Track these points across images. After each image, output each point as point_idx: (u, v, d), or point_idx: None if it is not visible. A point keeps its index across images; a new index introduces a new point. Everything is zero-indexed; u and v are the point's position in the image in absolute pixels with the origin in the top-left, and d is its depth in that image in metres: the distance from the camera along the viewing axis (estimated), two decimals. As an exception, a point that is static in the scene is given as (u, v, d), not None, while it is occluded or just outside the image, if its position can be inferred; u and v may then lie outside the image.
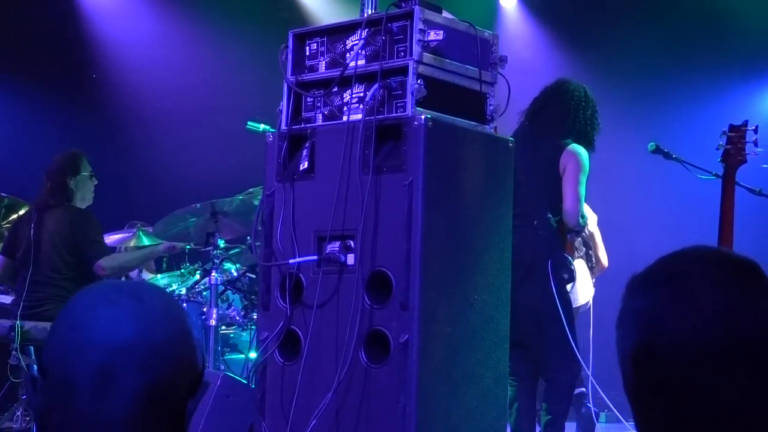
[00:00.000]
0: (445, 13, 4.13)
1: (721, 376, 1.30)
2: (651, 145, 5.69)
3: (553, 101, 5.38)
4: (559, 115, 5.35)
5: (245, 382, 4.79)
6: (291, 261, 4.03)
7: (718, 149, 4.77)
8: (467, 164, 4.07)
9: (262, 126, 6.46)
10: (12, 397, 6.57)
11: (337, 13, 8.83)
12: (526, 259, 5.04)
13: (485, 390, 4.03)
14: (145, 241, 7.62)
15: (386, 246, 3.87)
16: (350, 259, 3.97)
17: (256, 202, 6.38)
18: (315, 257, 4.00)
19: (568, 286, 5.22)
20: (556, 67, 6.06)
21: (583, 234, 5.76)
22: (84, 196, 6.62)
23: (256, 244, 4.26)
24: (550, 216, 5.26)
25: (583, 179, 5.25)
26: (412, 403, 3.75)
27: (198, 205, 6.21)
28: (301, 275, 4.07)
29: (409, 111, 3.90)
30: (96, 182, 6.67)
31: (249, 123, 6.47)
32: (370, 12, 4.22)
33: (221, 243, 6.43)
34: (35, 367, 6.12)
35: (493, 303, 4.08)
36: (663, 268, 1.41)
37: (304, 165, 4.11)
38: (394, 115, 3.94)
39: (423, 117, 3.86)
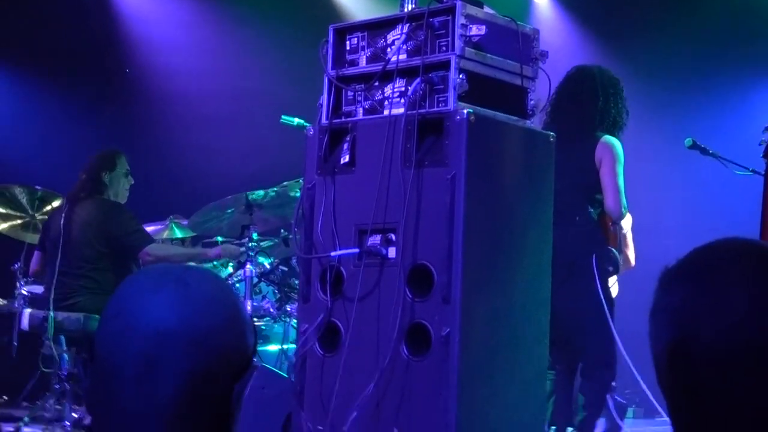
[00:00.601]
0: (486, 8, 4.14)
1: (756, 377, 1.29)
2: (688, 141, 5.68)
3: (577, 91, 5.34)
4: (577, 106, 5.31)
5: (280, 373, 4.82)
6: (333, 253, 4.05)
7: (760, 145, 4.76)
8: (508, 159, 4.08)
9: (296, 120, 6.48)
10: (44, 387, 6.62)
11: (370, 10, 8.83)
12: (566, 257, 5.02)
13: (525, 385, 4.04)
14: (178, 234, 7.66)
15: (427, 240, 3.89)
16: (391, 252, 3.99)
17: (291, 195, 6.42)
18: (357, 250, 4.02)
19: (611, 281, 5.22)
20: (588, 61, 6.03)
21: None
22: (117, 193, 6.67)
23: (296, 236, 4.27)
24: (591, 210, 5.26)
25: (621, 170, 5.24)
26: (453, 396, 3.77)
27: (234, 197, 6.23)
28: (341, 268, 4.09)
29: (451, 105, 3.92)
30: (132, 182, 6.72)
31: (283, 117, 6.49)
32: (410, 7, 4.23)
33: (254, 236, 6.46)
34: (66, 356, 6.18)
35: (533, 300, 4.08)
36: (697, 261, 1.39)
37: (345, 159, 4.12)
38: (435, 109, 3.96)
39: (465, 111, 3.87)
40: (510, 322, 4.00)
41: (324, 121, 4.23)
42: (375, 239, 4.01)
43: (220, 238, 7.35)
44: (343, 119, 4.21)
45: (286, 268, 6.76)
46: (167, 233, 7.66)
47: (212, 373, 1.45)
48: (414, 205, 3.92)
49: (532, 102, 4.21)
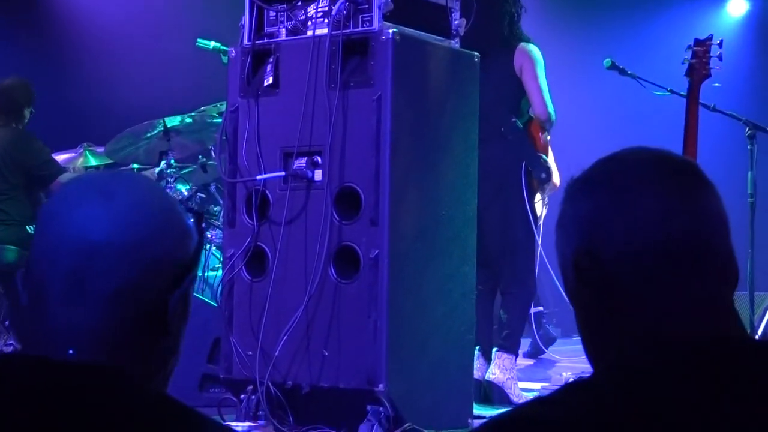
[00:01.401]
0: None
1: (660, 278, 1.32)
2: (607, 62, 5.70)
3: (485, 3, 5.27)
4: (495, 17, 5.27)
5: (204, 299, 4.78)
6: (258, 177, 4.00)
7: (683, 63, 4.79)
8: (434, 79, 4.05)
9: (212, 43, 6.34)
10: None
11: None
12: (496, 172, 5.02)
13: (453, 304, 4.07)
14: (92, 162, 7.49)
15: (354, 162, 3.86)
16: (317, 175, 3.96)
17: (209, 120, 6.31)
18: (282, 173, 3.98)
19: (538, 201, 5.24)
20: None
21: None
22: (24, 125, 6.53)
23: (220, 160, 4.20)
24: (516, 120, 5.26)
25: (542, 73, 5.22)
26: (383, 317, 3.78)
27: (151, 123, 6.11)
28: (267, 192, 4.05)
29: (375, 25, 3.87)
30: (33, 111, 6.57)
31: (199, 40, 6.36)
32: (332, -76, 4.15)
33: (172, 162, 6.36)
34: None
35: (460, 218, 4.09)
36: (602, 171, 1.39)
37: (269, 80, 4.06)
38: (360, 29, 3.90)
39: (390, 31, 3.83)
40: (437, 241, 4.01)
41: (246, 42, 4.15)
42: (301, 162, 3.97)
43: (136, 166, 7.23)
44: (265, 40, 4.13)
45: (204, 195, 6.67)
46: (81, 161, 7.49)
47: (141, 286, 1.39)
48: (340, 126, 3.88)
49: (456, 22, 4.18)
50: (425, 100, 3.99)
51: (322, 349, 3.87)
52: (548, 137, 5.45)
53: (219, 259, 6.55)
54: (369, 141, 3.81)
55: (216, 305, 4.55)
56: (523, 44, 5.23)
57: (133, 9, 8.87)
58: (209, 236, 6.38)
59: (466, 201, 4.13)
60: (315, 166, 3.96)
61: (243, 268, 4.07)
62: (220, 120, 6.29)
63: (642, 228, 1.32)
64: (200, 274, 6.39)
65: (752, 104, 7.46)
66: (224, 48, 6.33)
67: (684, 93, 5.61)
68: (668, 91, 5.77)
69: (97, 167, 7.48)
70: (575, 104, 6.50)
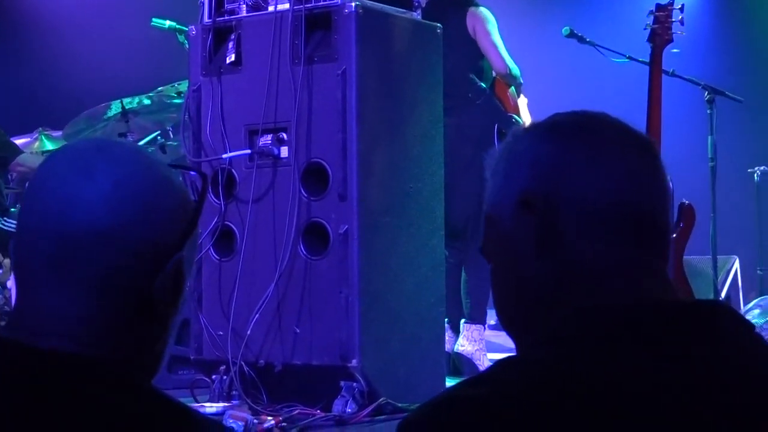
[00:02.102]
0: None
1: (611, 236, 1.31)
2: (565, 30, 5.70)
3: None
4: None
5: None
6: (224, 156, 3.96)
7: (645, 29, 4.79)
8: (398, 51, 4.03)
9: (167, 23, 6.27)
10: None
11: None
12: (470, 137, 5.01)
13: (423, 277, 4.06)
14: (48, 146, 7.39)
15: (320, 137, 3.84)
16: (284, 151, 3.93)
17: (167, 101, 6.25)
18: (248, 151, 3.94)
19: None
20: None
21: None
22: None
23: (185, 140, 4.16)
24: (481, 83, 5.25)
25: (495, 31, 5.23)
26: (354, 293, 3.76)
27: (109, 105, 6.03)
28: (233, 170, 4.01)
29: (338, -1, 3.83)
30: None
31: (154, 20, 6.28)
32: None
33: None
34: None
35: (427, 191, 4.08)
36: (572, 122, 1.38)
37: (231, 58, 4.02)
38: (322, 3, 3.87)
39: (353, 4, 3.80)
40: (405, 216, 3.99)
41: (207, 20, 4.10)
42: (266, 139, 3.94)
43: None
44: (226, 17, 4.08)
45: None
46: (37, 145, 7.39)
47: (124, 271, 1.33)
48: (305, 102, 3.85)
49: (417, -7, 4.15)
50: (390, 72, 3.96)
51: (293, 327, 3.85)
52: (522, 98, 5.45)
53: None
54: (335, 116, 3.78)
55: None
56: (473, 8, 5.24)
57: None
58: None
59: (432, 173, 4.11)
60: (281, 142, 3.92)
61: (211, 247, 4.03)
62: (178, 100, 6.23)
63: (606, 185, 1.31)
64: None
65: (710, 69, 7.50)
66: (180, 27, 6.27)
67: (643, 60, 5.63)
68: (627, 58, 5.78)
69: (53, 152, 7.41)
70: (536, 74, 6.49)
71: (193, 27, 4.15)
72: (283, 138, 3.92)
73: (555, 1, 7.41)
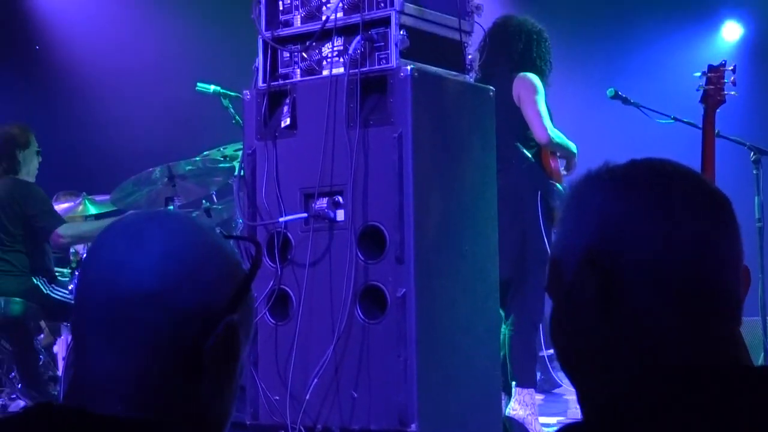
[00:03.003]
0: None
1: (680, 301, 1.26)
2: (610, 91, 5.71)
3: (499, 38, 5.31)
4: (506, 52, 5.31)
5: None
6: (281, 219, 3.96)
7: (698, 90, 4.80)
8: (452, 114, 4.04)
9: (212, 87, 6.34)
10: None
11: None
12: (511, 201, 5.01)
13: (478, 340, 4.03)
14: (92, 210, 7.46)
15: (377, 200, 3.84)
16: (339, 215, 3.92)
17: (212, 165, 6.28)
18: (305, 215, 3.94)
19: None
20: (509, 11, 6.03)
21: None
22: (29, 171, 6.49)
23: (240, 203, 4.16)
24: (525, 150, 5.26)
25: (540, 99, 5.24)
26: (412, 356, 3.74)
27: (156, 170, 6.07)
28: (288, 233, 4.01)
29: (393, 62, 3.86)
30: (40, 160, 6.54)
31: (199, 84, 6.35)
32: (342, -36, 4.15)
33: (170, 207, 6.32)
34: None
35: (482, 253, 4.07)
36: (644, 174, 1.32)
37: (286, 122, 4.04)
38: (378, 67, 3.89)
39: (409, 68, 3.82)
40: (461, 278, 3.98)
41: (261, 84, 4.13)
42: (322, 203, 3.94)
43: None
44: (280, 81, 4.11)
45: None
46: (81, 209, 7.46)
47: (173, 334, 1.36)
48: (361, 165, 3.86)
49: (469, 56, 4.17)
50: (445, 135, 3.97)
51: (351, 391, 3.83)
52: (570, 166, 5.43)
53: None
54: (391, 178, 3.79)
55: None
56: (521, 74, 5.26)
57: (133, 54, 8.85)
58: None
59: (486, 235, 4.11)
60: (336, 206, 3.93)
61: (266, 311, 4.03)
62: (224, 164, 6.28)
63: (676, 253, 1.26)
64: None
65: (752, 128, 7.48)
66: (224, 91, 6.34)
67: (688, 120, 5.64)
68: (672, 119, 5.78)
69: (96, 216, 7.45)
70: (581, 135, 6.50)
71: (247, 92, 4.18)
72: (338, 201, 3.92)
73: (599, 63, 7.44)
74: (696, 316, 1.27)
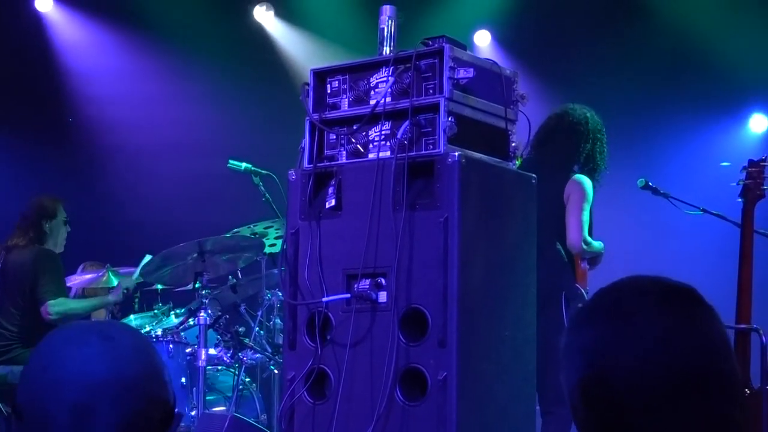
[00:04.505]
0: (468, 51, 4.16)
1: (668, 401, 1.33)
2: (640, 182, 5.77)
3: (557, 131, 5.41)
4: (564, 145, 5.40)
5: (258, 425, 4.71)
6: (324, 299, 3.98)
7: (738, 184, 4.84)
8: (496, 201, 4.08)
9: (243, 165, 6.42)
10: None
11: (316, 51, 8.83)
12: (540, 292, 5.05)
13: (516, 426, 4.03)
14: (114, 282, 7.48)
15: (420, 283, 3.86)
16: (382, 296, 3.95)
17: (243, 244, 6.32)
18: (348, 295, 3.96)
19: None
20: (537, 106, 6.11)
21: None
22: (56, 242, 6.56)
23: (283, 280, 4.18)
24: (560, 247, 5.30)
25: (586, 207, 5.30)
26: (452, 440, 3.73)
27: (186, 245, 6.09)
28: (329, 313, 4.03)
29: (441, 148, 3.91)
30: (69, 230, 6.60)
31: (230, 161, 6.43)
32: (388, 50, 4.23)
33: (197, 284, 6.35)
34: (5, 410, 5.98)
35: (521, 338, 4.09)
36: (602, 301, 1.44)
37: (331, 202, 4.08)
38: (425, 152, 3.94)
39: (456, 154, 3.87)
40: (501, 363, 3.99)
41: (307, 165, 4.18)
42: (364, 284, 3.97)
43: (159, 286, 7.22)
44: (326, 163, 4.17)
45: (227, 316, 6.63)
46: (104, 281, 7.48)
47: (143, 419, 1.48)
48: (406, 248, 3.89)
49: (513, 144, 4.23)
50: (489, 221, 4.01)
51: (389, 474, 3.81)
52: (595, 263, 5.47)
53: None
54: (436, 262, 3.81)
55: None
56: (577, 176, 5.32)
57: (164, 130, 8.95)
58: (240, 357, 6.32)
59: (526, 321, 4.13)
60: (379, 287, 3.95)
61: (305, 391, 4.03)
62: (252, 242, 6.31)
63: (645, 352, 1.35)
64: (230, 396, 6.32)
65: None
66: (255, 169, 6.41)
67: (717, 212, 5.69)
68: (701, 211, 5.82)
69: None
70: (611, 223, 6.55)
71: (292, 172, 4.23)
72: (381, 283, 3.95)
73: (628, 153, 7.51)
74: (687, 405, 1.34)
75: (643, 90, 7.90)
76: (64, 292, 6.51)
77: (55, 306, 6.28)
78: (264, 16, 9.25)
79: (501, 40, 8.55)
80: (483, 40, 8.60)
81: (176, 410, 1.56)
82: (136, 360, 1.51)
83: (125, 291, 6.72)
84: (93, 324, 1.61)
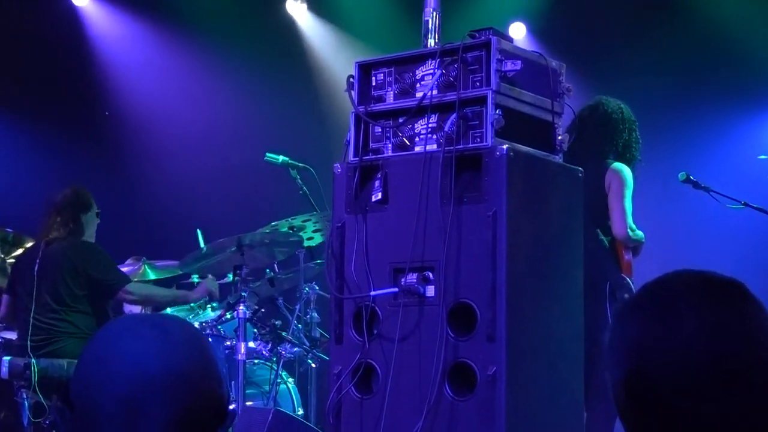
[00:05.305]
0: (514, 43, 4.13)
1: (710, 396, 1.34)
2: (682, 175, 5.74)
3: (591, 122, 5.39)
4: (601, 135, 5.37)
5: (306, 423, 4.70)
6: (372, 293, 3.97)
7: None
8: (544, 194, 4.06)
9: (281, 158, 6.41)
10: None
11: (347, 44, 8.82)
12: (584, 283, 5.02)
13: (563, 420, 4.01)
14: (151, 276, 7.49)
15: (469, 277, 3.84)
16: (429, 290, 3.93)
17: (281, 237, 6.31)
18: (395, 289, 3.95)
19: None
20: (573, 99, 6.08)
21: None
22: (91, 234, 6.55)
23: (331, 274, 4.17)
24: (603, 237, 5.28)
25: (628, 194, 5.28)
26: (501, 435, 3.71)
27: (226, 240, 6.09)
28: (376, 307, 4.02)
29: (488, 141, 3.89)
30: (98, 221, 6.61)
31: (267, 155, 6.42)
32: (433, 42, 4.21)
33: (230, 277, 6.35)
34: (46, 403, 6.00)
35: (568, 333, 4.06)
36: (649, 295, 1.45)
37: (378, 196, 4.06)
38: (473, 145, 3.92)
39: (504, 147, 3.84)
40: (548, 355, 3.97)
41: (352, 158, 4.16)
42: (412, 278, 3.95)
43: (196, 278, 7.21)
44: (371, 156, 4.15)
45: (263, 309, 6.62)
46: (140, 275, 7.49)
47: (195, 415, 1.47)
48: (454, 242, 3.87)
49: (559, 137, 4.20)
50: (537, 214, 3.99)
51: (437, 468, 3.80)
52: (637, 252, 5.44)
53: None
54: (484, 256, 3.79)
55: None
56: (616, 164, 5.30)
57: (201, 123, 8.96)
58: (279, 350, 6.31)
59: (573, 315, 4.10)
60: (426, 281, 3.93)
61: (352, 386, 4.01)
62: (292, 237, 6.30)
63: (689, 346, 1.35)
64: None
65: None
66: (293, 162, 6.40)
67: (758, 206, 5.64)
68: (742, 204, 5.78)
69: (154, 281, 7.48)
70: (652, 217, 6.52)
71: (337, 165, 4.21)
72: (428, 277, 3.93)
73: (666, 147, 7.47)
74: (731, 398, 1.34)
75: (680, 84, 7.85)
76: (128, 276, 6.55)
77: (138, 288, 6.33)
78: (297, 9, 9.25)
79: (536, 32, 8.50)
80: (518, 33, 8.55)
81: (231, 407, 1.54)
82: (189, 354, 1.49)
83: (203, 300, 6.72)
84: (147, 317, 1.60)
